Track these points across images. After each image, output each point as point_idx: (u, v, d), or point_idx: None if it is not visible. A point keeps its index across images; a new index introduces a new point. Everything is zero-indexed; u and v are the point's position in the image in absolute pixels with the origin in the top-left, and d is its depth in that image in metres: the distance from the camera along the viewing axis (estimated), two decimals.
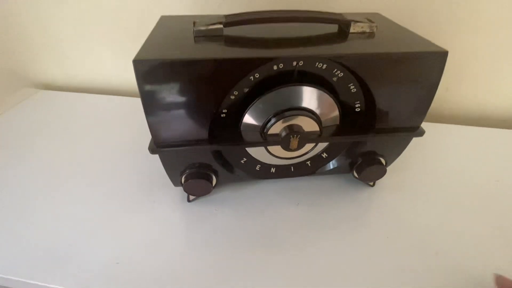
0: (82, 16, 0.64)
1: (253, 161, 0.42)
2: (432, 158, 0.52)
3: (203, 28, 0.34)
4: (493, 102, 0.64)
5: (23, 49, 0.72)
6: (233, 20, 0.34)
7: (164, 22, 0.41)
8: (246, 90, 0.33)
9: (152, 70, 0.30)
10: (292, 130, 0.35)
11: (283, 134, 0.35)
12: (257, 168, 0.43)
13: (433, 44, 0.34)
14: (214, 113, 0.34)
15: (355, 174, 0.44)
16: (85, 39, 0.68)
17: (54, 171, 0.49)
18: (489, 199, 0.45)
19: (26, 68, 0.75)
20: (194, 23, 0.36)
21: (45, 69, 0.75)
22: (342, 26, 0.38)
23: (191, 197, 0.43)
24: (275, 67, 0.32)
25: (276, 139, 0.36)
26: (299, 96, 0.35)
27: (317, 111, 0.36)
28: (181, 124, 0.34)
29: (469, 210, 0.43)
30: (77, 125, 0.61)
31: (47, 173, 0.49)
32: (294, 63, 0.32)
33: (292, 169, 0.44)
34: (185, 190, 0.40)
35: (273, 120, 0.35)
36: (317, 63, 0.32)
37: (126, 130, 0.58)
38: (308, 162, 0.44)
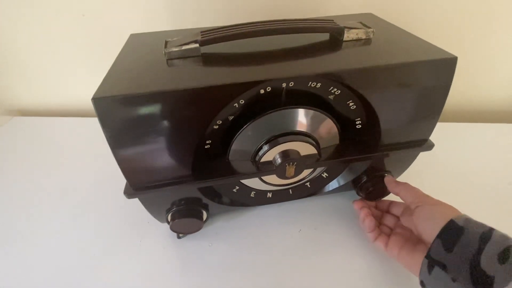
0: (53, 37, 0.59)
1: (247, 189, 0.37)
2: (438, 162, 0.48)
3: (176, 49, 0.30)
4: (497, 95, 0.60)
5: None
6: (210, 38, 0.30)
7: (133, 42, 0.36)
8: (231, 118, 0.29)
9: (116, 108, 0.25)
10: (288, 157, 0.31)
11: (278, 161, 0.31)
12: (252, 195, 0.39)
13: (439, 49, 0.30)
14: (196, 146, 0.30)
15: (360, 193, 0.40)
16: (56, 61, 0.62)
17: (29, 207, 0.45)
18: (502, 205, 0.41)
19: None
20: (166, 42, 0.31)
21: (17, 94, 0.70)
22: (335, 33, 0.33)
23: None
24: (262, 91, 0.27)
25: (270, 168, 0.32)
26: (292, 119, 0.30)
27: (314, 133, 0.32)
28: (159, 163, 0.29)
29: (480, 217, 0.39)
30: (54, 153, 0.56)
31: (21, 211, 0.44)
32: (284, 85, 0.27)
33: (291, 192, 0.40)
34: (172, 230, 0.36)
35: (265, 148, 0.31)
36: (310, 83, 0.28)
37: (106, 155, 0.54)
38: (308, 184, 0.40)
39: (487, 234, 0.25)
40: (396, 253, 0.32)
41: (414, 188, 0.34)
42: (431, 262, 0.27)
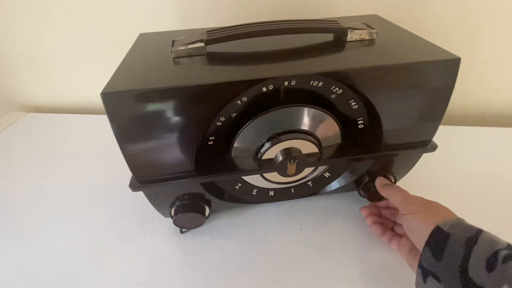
0: (67, 36, 0.61)
1: (249, 186, 0.38)
2: (442, 167, 0.47)
3: (182, 48, 0.31)
4: (504, 98, 0.59)
5: (9, 72, 0.69)
6: (215, 37, 0.31)
7: (142, 41, 0.38)
8: (233, 115, 0.30)
9: (124, 103, 0.26)
10: (289, 155, 0.31)
11: (279, 159, 0.32)
12: (254, 192, 0.39)
13: (442, 50, 0.30)
14: (200, 142, 0.30)
15: (362, 194, 0.40)
16: (70, 60, 0.65)
17: (38, 200, 0.46)
18: (506, 210, 0.40)
19: (13, 91, 0.73)
20: (173, 42, 0.33)
21: (32, 91, 0.72)
22: (338, 34, 0.34)
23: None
24: (264, 89, 0.28)
25: (271, 165, 0.32)
26: (294, 117, 0.31)
27: (316, 132, 0.32)
28: (163, 157, 0.30)
29: (484, 223, 0.38)
30: (65, 148, 0.58)
31: (31, 203, 0.46)
32: (286, 83, 0.28)
33: (293, 191, 0.41)
34: (175, 224, 0.37)
35: (267, 145, 0.31)
36: (312, 81, 0.28)
37: (114, 152, 0.55)
38: (310, 183, 0.40)
39: (473, 238, 0.23)
40: (405, 256, 0.32)
41: (401, 191, 0.33)
42: (424, 272, 0.25)
